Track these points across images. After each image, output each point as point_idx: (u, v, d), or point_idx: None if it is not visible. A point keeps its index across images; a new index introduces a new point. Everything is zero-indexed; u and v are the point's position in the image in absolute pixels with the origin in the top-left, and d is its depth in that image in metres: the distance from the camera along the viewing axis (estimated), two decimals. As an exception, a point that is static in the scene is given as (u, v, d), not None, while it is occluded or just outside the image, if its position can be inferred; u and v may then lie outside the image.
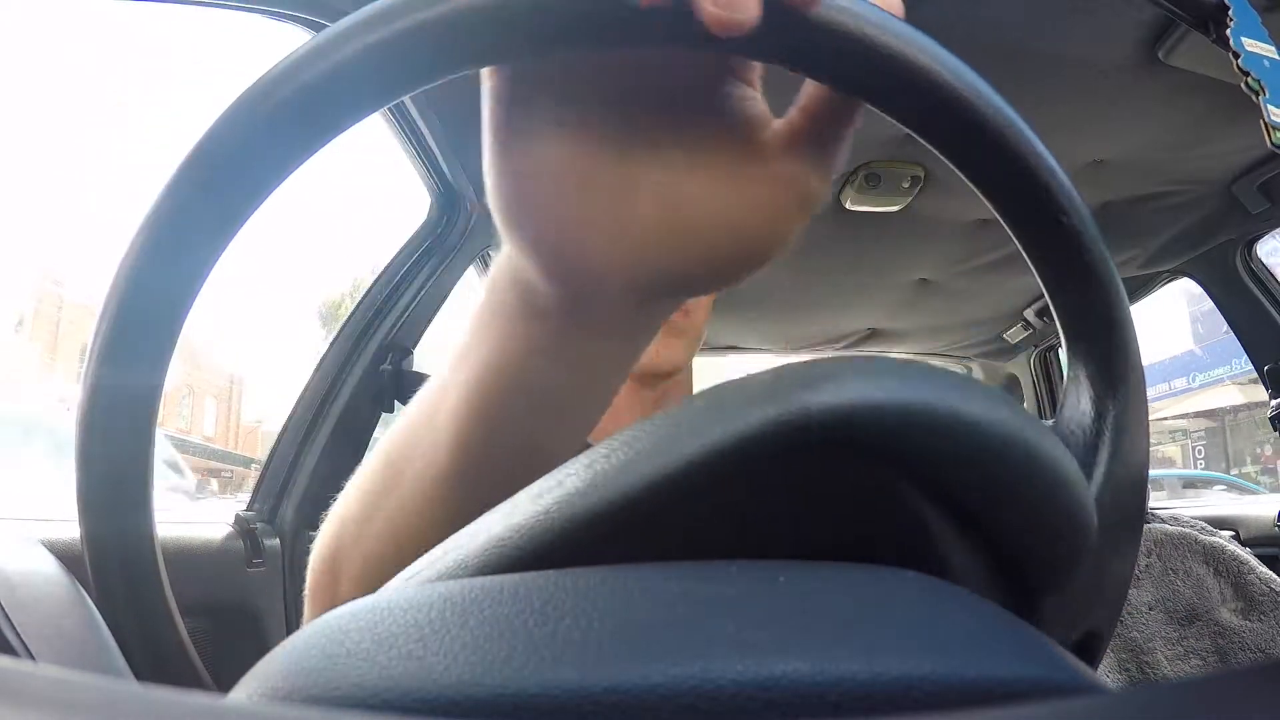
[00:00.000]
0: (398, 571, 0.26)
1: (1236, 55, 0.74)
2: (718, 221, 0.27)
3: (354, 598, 0.28)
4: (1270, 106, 0.72)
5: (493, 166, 0.28)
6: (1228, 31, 0.74)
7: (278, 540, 1.19)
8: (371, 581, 0.33)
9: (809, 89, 0.27)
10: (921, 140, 0.25)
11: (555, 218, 0.27)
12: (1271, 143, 0.73)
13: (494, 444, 0.31)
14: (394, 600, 0.18)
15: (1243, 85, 0.74)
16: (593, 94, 0.27)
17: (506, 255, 0.29)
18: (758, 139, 0.27)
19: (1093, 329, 0.27)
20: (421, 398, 0.33)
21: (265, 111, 0.24)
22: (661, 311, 0.31)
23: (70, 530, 0.94)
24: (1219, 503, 2.10)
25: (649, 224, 0.27)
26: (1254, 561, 1.14)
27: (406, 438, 0.33)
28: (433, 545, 0.27)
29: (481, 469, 0.31)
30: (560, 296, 0.28)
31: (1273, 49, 0.75)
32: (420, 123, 1.11)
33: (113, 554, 0.26)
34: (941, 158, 0.25)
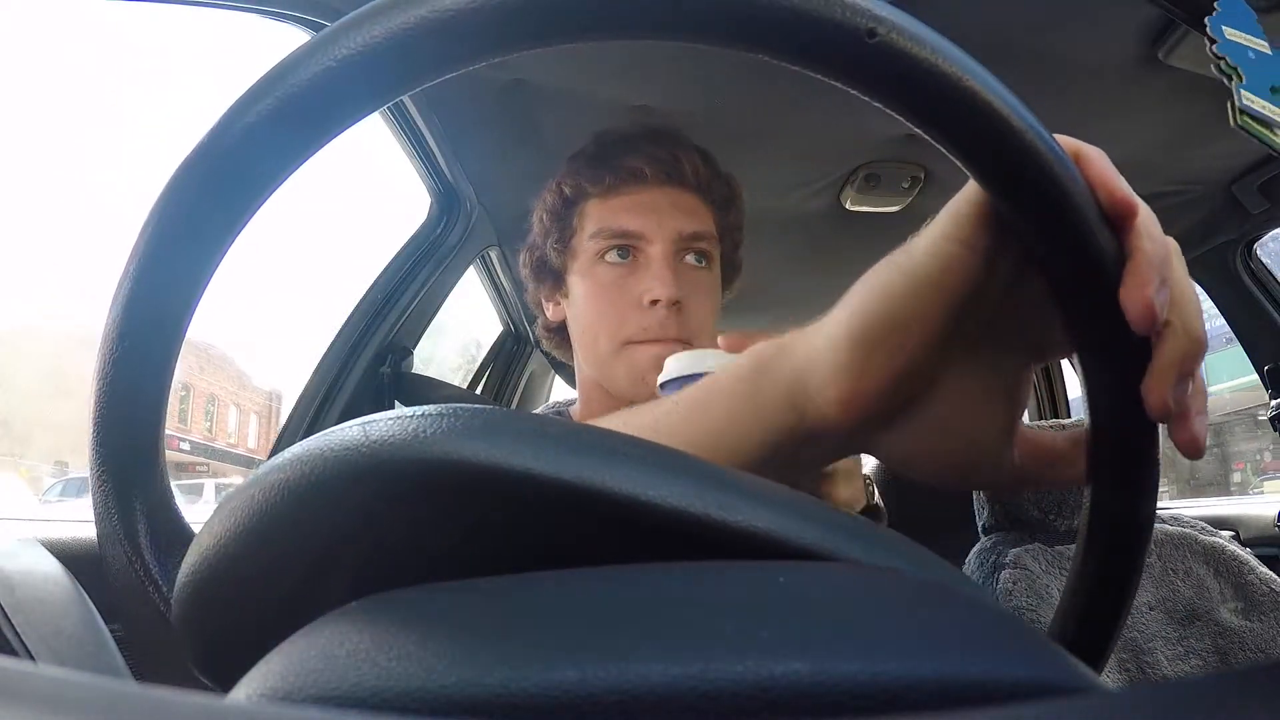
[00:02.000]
0: None
1: (1213, 40, 0.76)
2: (952, 459, 0.32)
3: None
4: (1244, 91, 0.75)
5: (893, 300, 0.30)
6: (1206, 19, 0.76)
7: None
8: None
9: (1080, 447, 0.31)
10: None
11: (893, 370, 0.30)
12: (1235, 123, 0.76)
13: None
14: (393, 600, 0.18)
15: (1214, 67, 0.76)
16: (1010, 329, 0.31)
17: (798, 370, 0.32)
18: (1018, 423, 0.33)
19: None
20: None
21: (266, 111, 0.24)
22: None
23: (70, 530, 0.94)
24: (1219, 503, 2.10)
25: (932, 425, 0.31)
26: (1254, 561, 1.14)
27: None
28: None
29: None
30: (833, 424, 0.31)
31: (1262, 43, 0.76)
32: (420, 123, 1.11)
33: (127, 550, 0.27)
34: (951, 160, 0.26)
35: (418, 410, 0.20)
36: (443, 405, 0.21)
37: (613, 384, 0.75)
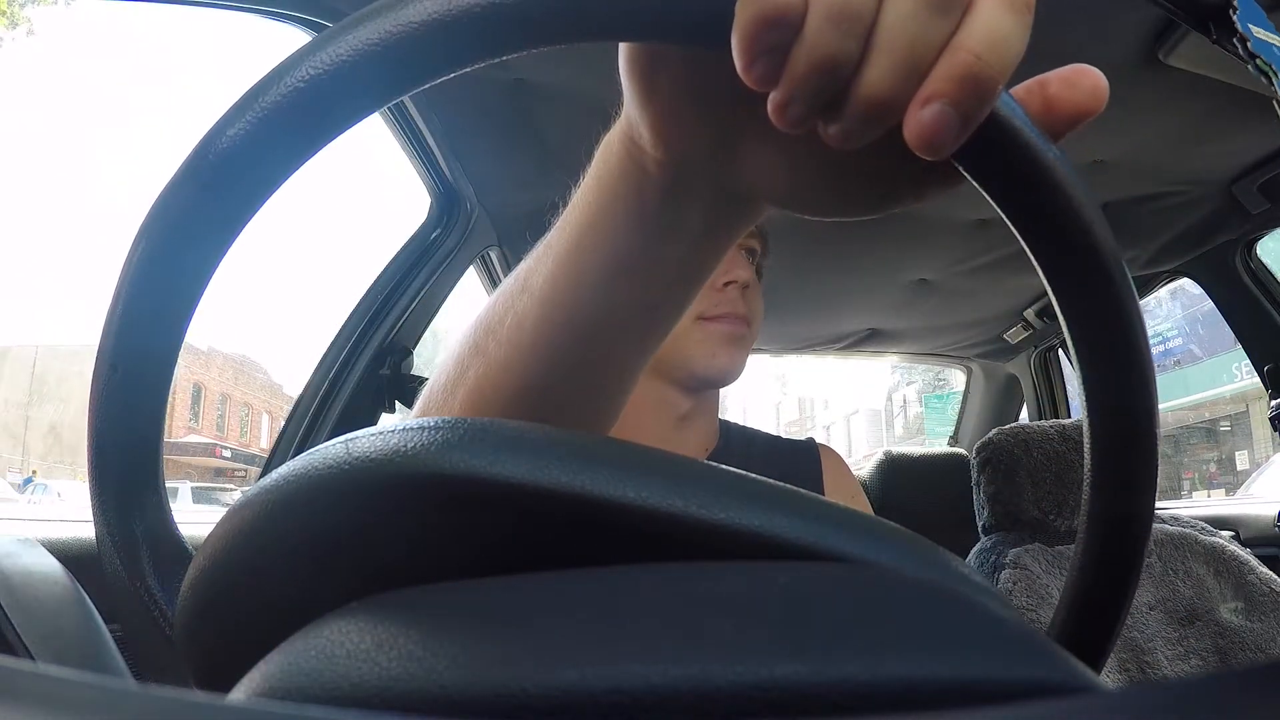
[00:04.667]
0: None
1: (1244, 40, 0.75)
2: (822, 175, 0.29)
3: None
4: (1283, 91, 0.74)
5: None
6: (1234, 16, 0.75)
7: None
8: None
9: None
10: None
11: (684, 87, 0.29)
12: None
13: (580, 302, 0.34)
14: (393, 601, 0.18)
15: (1250, 67, 0.75)
16: None
17: (626, 119, 0.31)
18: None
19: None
20: (516, 271, 0.37)
21: (266, 112, 0.24)
22: (734, 224, 0.34)
23: (70, 530, 0.94)
24: (1219, 503, 2.10)
25: (749, 134, 0.29)
26: (1254, 561, 1.14)
27: (498, 301, 0.37)
28: (512, 405, 0.34)
29: (565, 330, 0.34)
30: (662, 159, 0.30)
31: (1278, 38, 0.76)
32: (420, 123, 1.11)
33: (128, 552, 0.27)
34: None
35: (400, 425, 0.20)
36: (425, 418, 0.21)
37: (679, 359, 0.79)
